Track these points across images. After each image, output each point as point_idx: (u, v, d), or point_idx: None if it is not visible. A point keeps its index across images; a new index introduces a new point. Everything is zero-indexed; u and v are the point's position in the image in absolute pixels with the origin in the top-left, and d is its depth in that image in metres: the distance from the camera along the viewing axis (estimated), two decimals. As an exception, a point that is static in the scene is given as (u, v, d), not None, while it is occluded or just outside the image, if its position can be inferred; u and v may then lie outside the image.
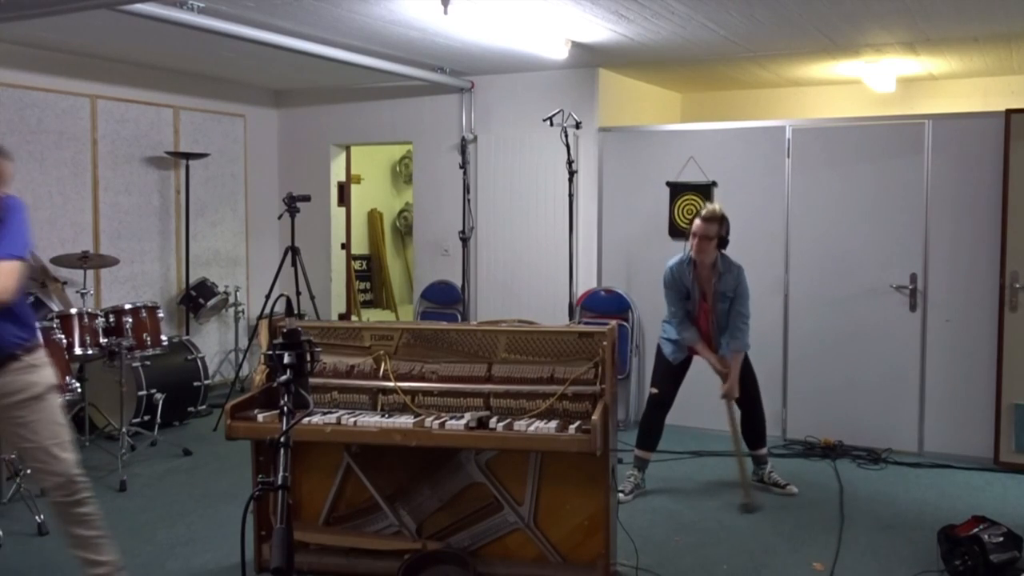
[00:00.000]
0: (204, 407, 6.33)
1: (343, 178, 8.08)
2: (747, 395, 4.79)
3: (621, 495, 4.63)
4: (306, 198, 6.46)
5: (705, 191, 6.12)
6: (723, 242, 4.60)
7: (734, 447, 4.73)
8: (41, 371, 3.18)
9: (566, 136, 5.93)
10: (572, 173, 5.97)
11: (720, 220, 4.56)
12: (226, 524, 4.34)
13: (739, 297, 4.66)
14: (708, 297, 4.66)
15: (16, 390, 3.09)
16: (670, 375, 4.75)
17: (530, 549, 3.60)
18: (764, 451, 4.92)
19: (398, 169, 10.49)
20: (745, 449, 4.82)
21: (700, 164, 6.15)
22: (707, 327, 4.71)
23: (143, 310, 5.49)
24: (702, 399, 5.22)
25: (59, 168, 6.17)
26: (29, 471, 3.17)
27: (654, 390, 4.79)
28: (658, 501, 4.71)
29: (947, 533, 3.82)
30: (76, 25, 5.17)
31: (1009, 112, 5.29)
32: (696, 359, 4.80)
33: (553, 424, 3.38)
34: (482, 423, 3.36)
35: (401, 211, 10.55)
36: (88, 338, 5.18)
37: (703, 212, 4.61)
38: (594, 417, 3.25)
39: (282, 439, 2.25)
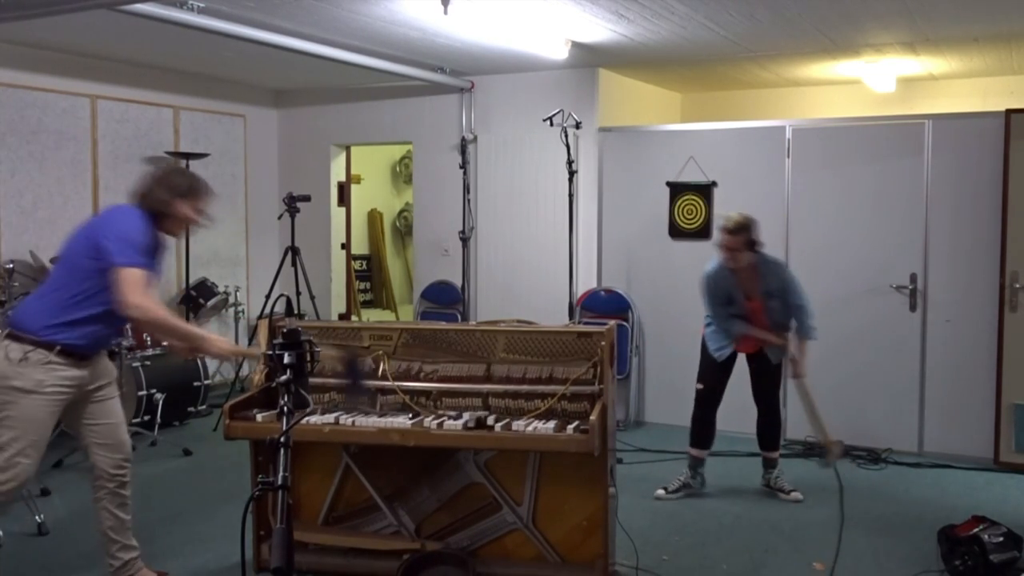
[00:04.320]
0: (204, 407, 6.33)
1: (343, 178, 8.08)
2: (766, 398, 4.81)
3: (662, 492, 4.75)
4: (306, 198, 6.47)
5: (705, 191, 6.12)
6: (753, 245, 4.53)
7: (812, 421, 4.73)
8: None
9: (566, 136, 5.93)
10: (572, 173, 5.97)
11: (741, 230, 4.48)
12: (226, 524, 4.34)
13: (789, 292, 4.61)
14: (755, 296, 4.62)
15: (103, 373, 3.42)
16: (713, 370, 4.74)
17: (529, 549, 3.60)
18: (775, 455, 4.88)
19: (398, 169, 10.49)
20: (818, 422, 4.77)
21: (700, 164, 6.15)
22: (764, 324, 4.66)
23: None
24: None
25: (59, 168, 6.17)
26: (93, 451, 3.40)
27: (699, 386, 4.80)
28: (658, 501, 4.71)
29: (947, 533, 3.81)
30: (76, 25, 5.17)
31: (1009, 112, 5.29)
32: (740, 358, 4.78)
33: (551, 424, 3.38)
34: (480, 423, 3.36)
35: (401, 211, 10.55)
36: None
37: (724, 223, 4.53)
38: (592, 417, 3.25)
39: (282, 439, 2.25)
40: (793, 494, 4.76)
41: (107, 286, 3.12)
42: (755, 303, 4.63)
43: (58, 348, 3.17)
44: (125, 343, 5.28)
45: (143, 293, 3.11)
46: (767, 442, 4.87)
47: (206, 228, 3.41)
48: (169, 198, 3.31)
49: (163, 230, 3.36)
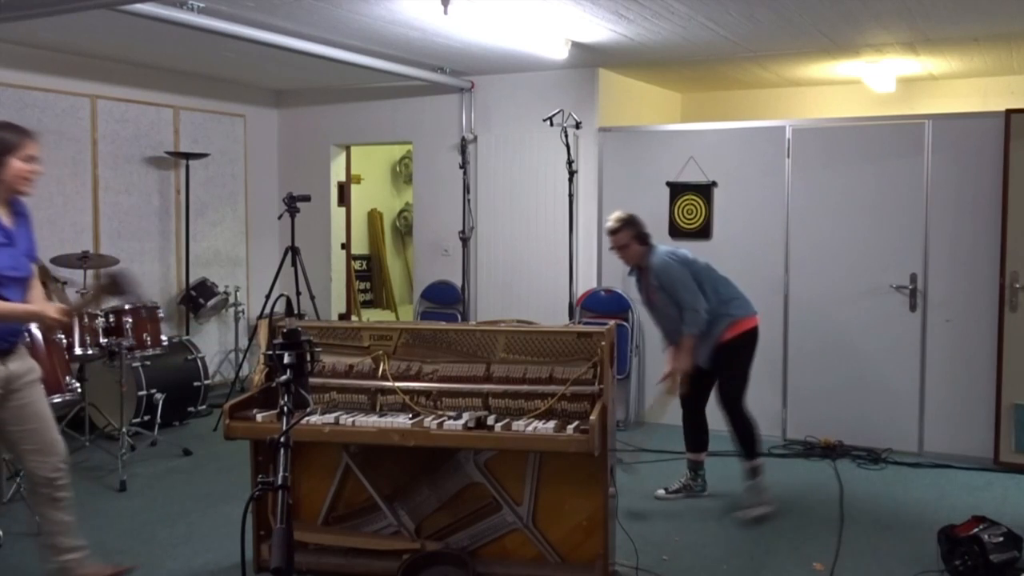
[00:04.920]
0: (204, 407, 6.33)
1: (343, 178, 8.08)
2: (721, 402, 4.52)
3: (662, 492, 4.75)
4: (306, 198, 6.46)
5: (705, 191, 6.12)
6: (643, 239, 4.51)
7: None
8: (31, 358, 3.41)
9: (566, 136, 5.93)
10: (572, 173, 5.97)
11: (622, 226, 4.48)
12: (226, 524, 4.34)
13: (670, 290, 4.42)
14: (653, 294, 4.55)
15: (27, 371, 3.31)
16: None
17: (529, 549, 3.60)
18: (748, 464, 4.48)
19: (398, 169, 10.49)
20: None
21: (700, 164, 6.15)
22: (673, 325, 4.53)
23: (143, 310, 5.49)
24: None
25: (59, 168, 6.17)
26: (25, 458, 3.34)
27: (680, 390, 4.74)
28: (658, 501, 4.71)
29: (947, 533, 3.81)
30: (76, 25, 5.17)
31: (1009, 112, 5.29)
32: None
33: (551, 424, 3.38)
34: (480, 423, 3.36)
35: (401, 211, 10.55)
36: (88, 338, 5.18)
37: (606, 225, 4.57)
38: (592, 417, 3.25)
39: (282, 439, 2.25)
40: (750, 511, 4.37)
41: None
42: (657, 300, 4.55)
43: None
44: (125, 343, 5.27)
45: None
46: (739, 450, 4.55)
47: (42, 175, 3.20)
48: None
49: (7, 193, 3.17)
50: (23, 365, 3.31)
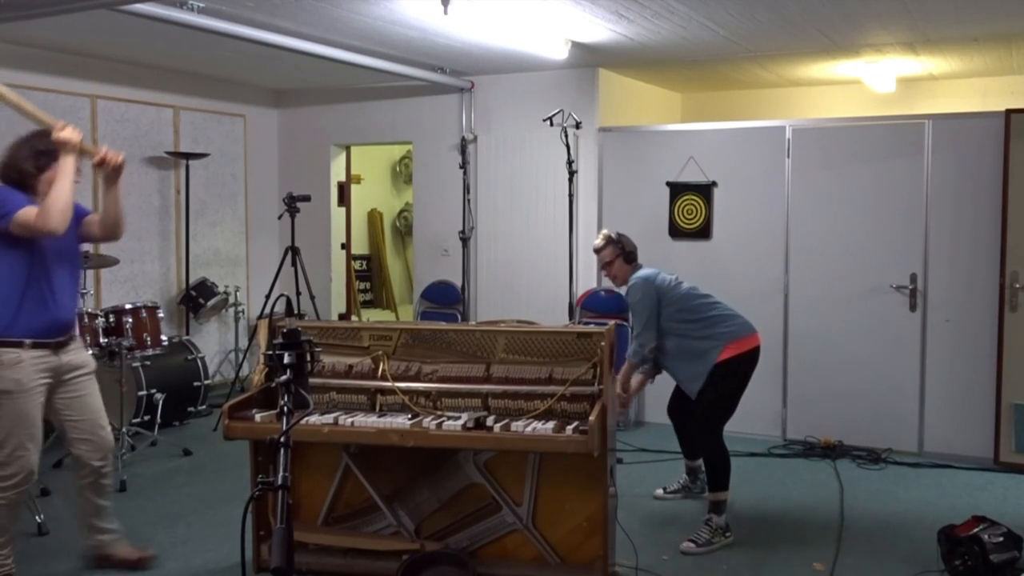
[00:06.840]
0: (204, 407, 6.33)
1: (343, 178, 8.08)
2: (692, 424, 4.35)
3: (661, 491, 4.76)
4: (306, 198, 6.46)
5: (705, 191, 6.12)
6: (628, 258, 4.45)
7: None
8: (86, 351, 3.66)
9: (566, 136, 5.93)
10: (572, 173, 5.97)
11: (605, 245, 4.45)
12: (226, 524, 4.34)
13: (632, 311, 4.38)
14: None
15: (81, 364, 3.53)
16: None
17: (528, 550, 3.59)
18: (712, 496, 4.16)
19: (398, 169, 10.49)
20: None
21: (700, 164, 6.15)
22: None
23: (143, 310, 5.49)
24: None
25: (59, 168, 6.16)
26: (75, 445, 3.56)
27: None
28: (658, 501, 4.71)
29: (947, 533, 3.81)
30: (76, 25, 5.17)
31: (1009, 112, 5.29)
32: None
33: (551, 425, 3.38)
34: (480, 423, 3.36)
35: (401, 211, 10.55)
36: (88, 338, 5.18)
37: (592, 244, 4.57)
38: (591, 418, 3.25)
39: (282, 439, 2.25)
40: (696, 546, 4.04)
41: (12, 255, 3.26)
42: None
43: (28, 343, 3.28)
44: (125, 343, 5.27)
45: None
46: (706, 479, 4.27)
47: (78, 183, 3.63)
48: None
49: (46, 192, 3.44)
50: (77, 358, 3.50)
